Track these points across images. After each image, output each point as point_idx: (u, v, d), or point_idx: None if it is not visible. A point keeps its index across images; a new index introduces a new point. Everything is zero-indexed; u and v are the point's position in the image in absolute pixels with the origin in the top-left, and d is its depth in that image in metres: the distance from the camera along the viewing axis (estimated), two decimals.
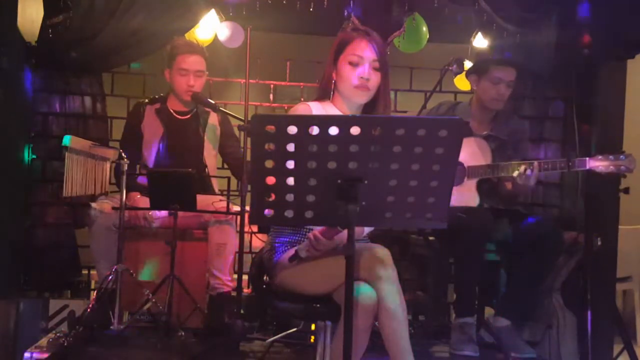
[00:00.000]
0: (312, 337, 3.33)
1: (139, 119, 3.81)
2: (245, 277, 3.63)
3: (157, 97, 3.91)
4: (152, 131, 3.79)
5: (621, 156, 3.19)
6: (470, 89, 3.71)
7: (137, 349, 3.25)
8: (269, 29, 4.51)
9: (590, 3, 3.71)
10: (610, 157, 3.19)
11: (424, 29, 4.53)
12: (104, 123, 4.16)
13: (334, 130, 1.78)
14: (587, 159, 3.22)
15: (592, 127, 3.93)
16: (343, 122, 1.79)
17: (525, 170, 3.25)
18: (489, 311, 3.71)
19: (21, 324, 3.28)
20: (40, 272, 3.91)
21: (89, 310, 3.28)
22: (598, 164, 3.20)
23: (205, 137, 3.83)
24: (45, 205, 3.99)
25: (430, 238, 3.71)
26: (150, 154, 3.77)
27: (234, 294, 3.59)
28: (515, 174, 3.28)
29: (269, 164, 1.83)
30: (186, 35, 4.17)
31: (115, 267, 3.27)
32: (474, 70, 3.63)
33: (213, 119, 3.88)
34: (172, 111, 3.83)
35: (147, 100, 3.89)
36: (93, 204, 3.62)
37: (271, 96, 4.58)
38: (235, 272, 3.68)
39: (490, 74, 3.54)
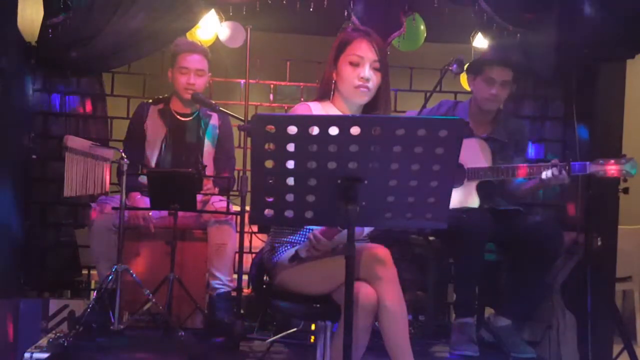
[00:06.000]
0: (312, 337, 3.33)
1: (142, 119, 3.81)
2: (245, 277, 3.63)
3: (160, 97, 3.91)
4: (155, 131, 3.80)
5: (622, 160, 3.18)
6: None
7: (137, 349, 3.25)
8: (269, 29, 4.51)
9: (591, 3, 3.71)
10: (612, 161, 3.18)
11: (422, 27, 4.53)
12: (104, 123, 4.17)
13: (334, 130, 1.78)
14: (588, 163, 3.21)
15: (592, 127, 3.94)
16: (343, 122, 1.79)
17: (558, 172, 3.22)
18: (489, 311, 3.71)
19: (21, 324, 3.27)
20: (40, 272, 3.91)
21: (89, 310, 3.28)
22: (599, 168, 3.19)
23: (205, 138, 3.83)
24: (45, 205, 3.99)
25: (430, 238, 3.71)
26: (153, 154, 3.77)
27: (234, 294, 3.59)
28: (544, 176, 3.26)
29: (269, 164, 1.83)
30: (187, 35, 4.18)
31: (115, 267, 3.27)
32: (469, 71, 3.62)
33: (215, 121, 3.88)
34: (174, 112, 3.84)
35: (150, 101, 3.90)
36: (93, 204, 3.62)
37: (271, 96, 4.58)
38: (235, 272, 3.68)
39: (484, 74, 3.52)
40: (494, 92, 3.50)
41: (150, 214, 3.63)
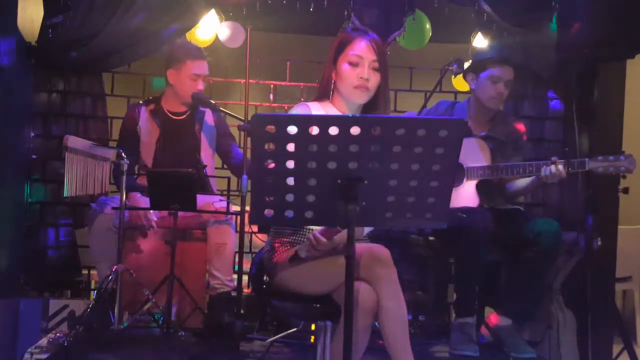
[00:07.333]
0: (312, 337, 3.33)
1: (134, 120, 3.80)
2: (245, 277, 3.63)
3: (151, 98, 3.90)
4: (149, 132, 3.78)
5: (621, 157, 3.18)
6: (469, 89, 3.71)
7: (137, 349, 3.25)
8: (269, 29, 4.51)
9: (590, 3, 3.72)
10: (610, 157, 3.19)
11: (427, 26, 4.52)
12: (104, 123, 4.16)
13: (334, 130, 1.78)
14: (587, 159, 3.22)
15: (592, 127, 3.94)
16: (343, 122, 1.79)
17: (556, 168, 3.23)
18: (489, 311, 3.71)
19: (21, 324, 3.27)
20: (40, 272, 3.91)
21: (89, 310, 3.28)
22: (598, 165, 3.20)
23: (202, 137, 3.83)
24: (45, 205, 4.00)
25: (430, 238, 3.71)
26: (149, 156, 3.76)
27: (234, 294, 3.59)
28: (543, 173, 3.27)
29: (269, 164, 1.83)
30: (187, 35, 4.18)
31: (115, 267, 3.27)
32: (471, 69, 3.62)
33: (209, 118, 3.87)
34: (167, 112, 3.82)
35: (141, 102, 3.89)
36: (93, 204, 3.62)
37: (271, 96, 4.58)
38: (235, 272, 3.68)
39: (488, 73, 3.52)
40: (501, 90, 3.51)
41: (151, 212, 3.63)
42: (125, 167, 3.32)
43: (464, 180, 3.50)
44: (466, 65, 3.68)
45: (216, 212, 3.57)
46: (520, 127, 3.71)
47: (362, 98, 2.49)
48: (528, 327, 3.64)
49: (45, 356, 3.06)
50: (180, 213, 3.39)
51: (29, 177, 3.93)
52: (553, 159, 3.28)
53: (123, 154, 3.37)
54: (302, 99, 4.46)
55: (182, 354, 3.16)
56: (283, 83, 4.57)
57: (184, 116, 3.84)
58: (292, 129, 1.78)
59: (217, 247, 3.59)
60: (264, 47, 4.34)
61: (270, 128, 1.79)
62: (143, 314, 3.39)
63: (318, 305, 2.36)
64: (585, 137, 3.91)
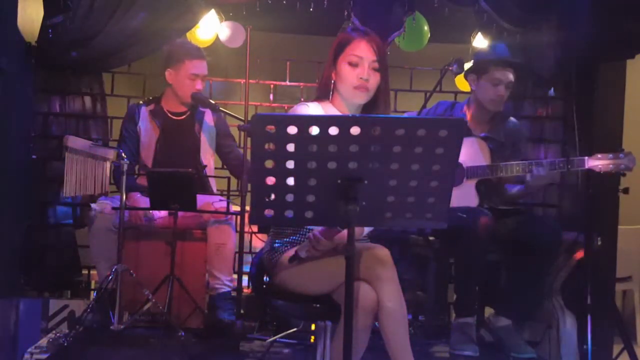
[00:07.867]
0: (312, 337, 3.33)
1: (134, 120, 3.80)
2: (245, 277, 3.63)
3: (151, 98, 3.90)
4: (148, 132, 3.78)
5: (620, 154, 3.19)
6: (470, 89, 3.71)
7: (137, 349, 3.25)
8: (269, 29, 4.51)
9: (590, 3, 3.72)
10: (610, 155, 3.19)
11: (425, 28, 4.52)
12: (104, 123, 4.17)
13: (334, 130, 1.78)
14: (586, 158, 3.23)
15: (592, 127, 3.94)
16: (343, 122, 1.79)
17: (534, 169, 3.25)
18: (489, 311, 3.71)
19: (21, 324, 3.28)
20: (40, 272, 3.91)
21: (89, 310, 3.29)
22: (597, 163, 3.20)
23: (202, 137, 3.83)
24: (45, 205, 3.99)
25: (430, 238, 3.71)
26: (149, 156, 3.76)
27: (234, 294, 3.59)
28: (528, 177, 3.29)
29: (269, 164, 1.83)
30: (187, 35, 4.18)
31: (115, 267, 3.27)
32: (473, 70, 3.62)
33: (209, 118, 3.87)
34: (167, 112, 3.82)
35: (141, 102, 3.89)
36: (93, 204, 3.62)
37: (271, 96, 4.58)
38: (235, 272, 3.68)
39: (490, 75, 3.52)
40: (501, 93, 3.51)
41: (151, 212, 3.63)
42: (125, 168, 3.32)
43: (464, 180, 3.50)
44: (466, 65, 3.68)
45: (216, 212, 3.57)
46: (520, 128, 3.72)
47: (362, 98, 2.49)
48: (528, 327, 3.64)
49: (45, 356, 3.07)
50: (180, 213, 3.39)
51: (29, 177, 3.93)
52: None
53: (123, 154, 3.37)
54: (302, 99, 4.46)
55: (182, 354, 3.16)
56: (283, 83, 4.56)
57: (184, 116, 3.84)
58: (292, 129, 1.78)
59: (217, 247, 3.59)
60: (264, 47, 4.34)
61: (270, 128, 1.79)
62: (143, 314, 3.39)
63: (318, 305, 2.36)
64: (585, 137, 3.90)
